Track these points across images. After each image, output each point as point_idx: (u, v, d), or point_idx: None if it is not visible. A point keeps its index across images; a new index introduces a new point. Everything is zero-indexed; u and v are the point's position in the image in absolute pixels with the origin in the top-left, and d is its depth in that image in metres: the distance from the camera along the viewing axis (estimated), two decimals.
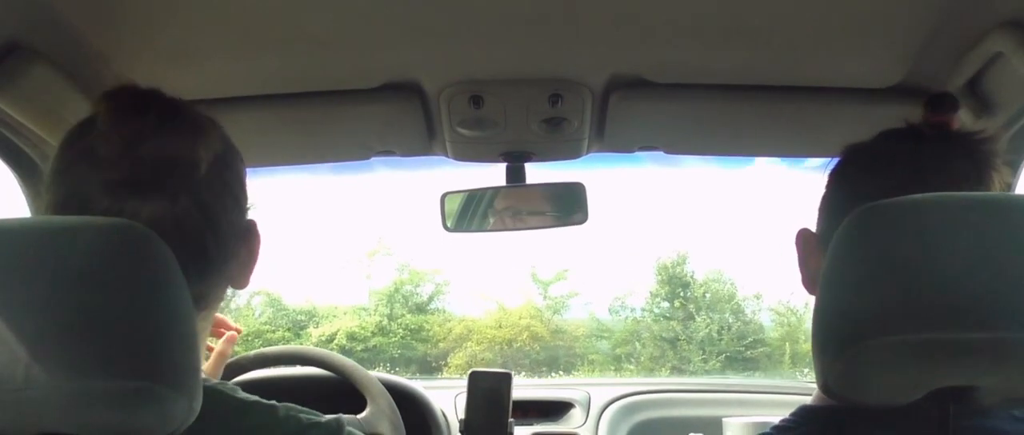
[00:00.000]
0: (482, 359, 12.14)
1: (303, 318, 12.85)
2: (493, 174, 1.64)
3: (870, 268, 0.79)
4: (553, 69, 1.37)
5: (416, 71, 1.37)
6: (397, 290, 13.31)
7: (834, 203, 1.00)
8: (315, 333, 12.40)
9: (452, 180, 1.71)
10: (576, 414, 2.26)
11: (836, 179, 1.02)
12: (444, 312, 13.47)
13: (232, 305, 11.73)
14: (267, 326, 12.58)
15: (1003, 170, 0.93)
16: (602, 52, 1.31)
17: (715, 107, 1.45)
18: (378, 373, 1.90)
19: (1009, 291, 0.75)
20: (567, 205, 1.69)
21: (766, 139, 1.60)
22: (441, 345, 12.87)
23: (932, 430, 0.83)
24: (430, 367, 12.48)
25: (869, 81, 1.37)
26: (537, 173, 1.64)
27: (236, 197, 0.89)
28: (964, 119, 1.27)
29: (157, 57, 1.29)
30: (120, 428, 0.72)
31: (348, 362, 1.84)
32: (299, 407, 0.89)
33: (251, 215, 0.94)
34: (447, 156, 1.61)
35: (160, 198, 0.81)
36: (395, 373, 2.35)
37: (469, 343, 12.71)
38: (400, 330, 12.89)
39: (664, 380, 2.51)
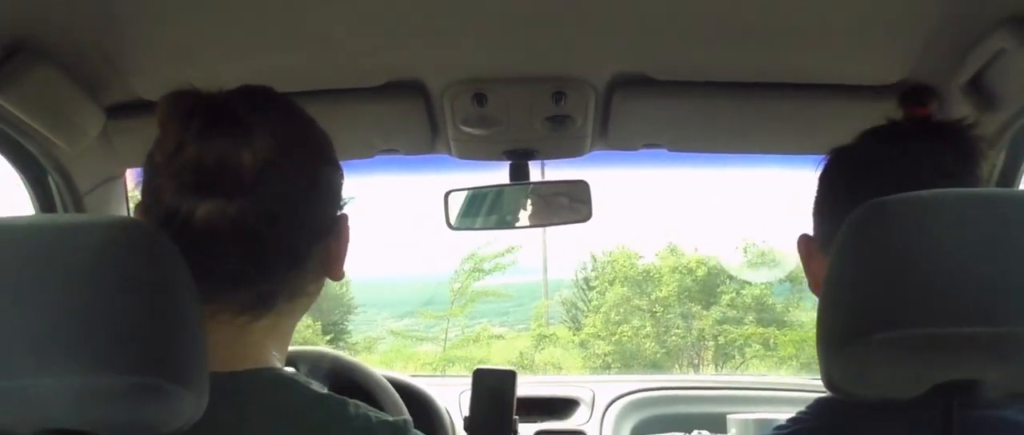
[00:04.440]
0: None
1: None
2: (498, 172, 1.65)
3: (872, 264, 0.79)
4: (557, 67, 1.37)
5: (419, 69, 1.38)
6: None
7: (827, 206, 1.01)
8: None
9: (459, 178, 1.71)
10: (581, 412, 2.26)
11: (827, 182, 1.03)
12: None
13: None
14: None
15: (989, 154, 0.94)
16: (606, 50, 1.32)
17: (719, 105, 1.45)
18: (380, 370, 1.90)
19: (1012, 285, 0.75)
20: (571, 203, 1.69)
21: (770, 136, 1.60)
22: None
23: (939, 423, 0.83)
24: None
25: (872, 78, 1.37)
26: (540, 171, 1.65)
27: (306, 196, 0.88)
28: (967, 115, 1.27)
29: (160, 56, 1.29)
30: (127, 424, 0.72)
31: (351, 359, 1.84)
32: (368, 405, 0.88)
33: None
34: (450, 154, 1.61)
35: (214, 198, 0.83)
36: None
37: None
38: None
39: (668, 377, 2.51)
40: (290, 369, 0.92)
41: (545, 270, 12.72)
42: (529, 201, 1.68)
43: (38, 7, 1.12)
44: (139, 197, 0.90)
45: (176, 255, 0.75)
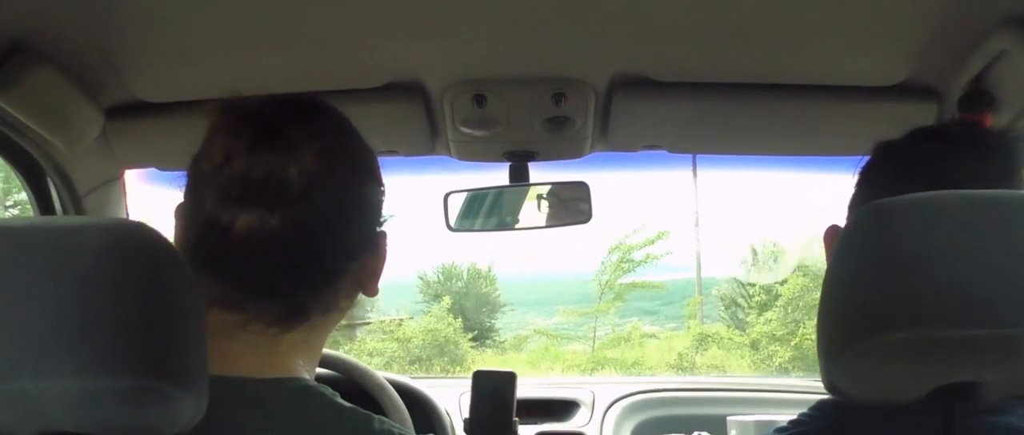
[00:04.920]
0: None
1: None
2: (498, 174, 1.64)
3: (874, 266, 0.79)
4: (556, 68, 1.37)
5: (419, 70, 1.38)
6: None
7: (861, 201, 1.00)
8: None
9: (466, 179, 1.70)
10: (581, 413, 2.26)
11: (865, 177, 1.02)
12: None
13: None
14: None
15: None
16: (605, 51, 1.31)
17: (719, 106, 1.45)
18: (381, 372, 1.90)
19: (1013, 287, 0.75)
20: (571, 204, 1.69)
21: (770, 137, 1.60)
22: None
23: (940, 426, 0.83)
24: None
25: (874, 79, 1.37)
26: (540, 172, 1.64)
27: (345, 213, 0.88)
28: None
29: (160, 57, 1.29)
30: (127, 426, 0.72)
31: (354, 361, 1.84)
32: (392, 422, 0.89)
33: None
34: (450, 156, 1.61)
35: (256, 209, 0.83)
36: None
37: None
38: None
39: (668, 379, 2.51)
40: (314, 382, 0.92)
41: (698, 265, 12.22)
42: (529, 202, 1.68)
43: (37, 7, 1.12)
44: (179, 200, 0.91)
45: (176, 258, 0.75)
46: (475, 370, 1.88)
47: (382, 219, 0.94)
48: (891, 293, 0.77)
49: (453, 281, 13.31)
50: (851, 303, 0.80)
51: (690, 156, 1.71)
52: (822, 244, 1.03)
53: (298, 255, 0.85)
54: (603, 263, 11.44)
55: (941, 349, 0.76)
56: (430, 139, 1.56)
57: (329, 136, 0.89)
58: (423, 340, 11.63)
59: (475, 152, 1.60)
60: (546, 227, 1.72)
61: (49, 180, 1.47)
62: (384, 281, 0.96)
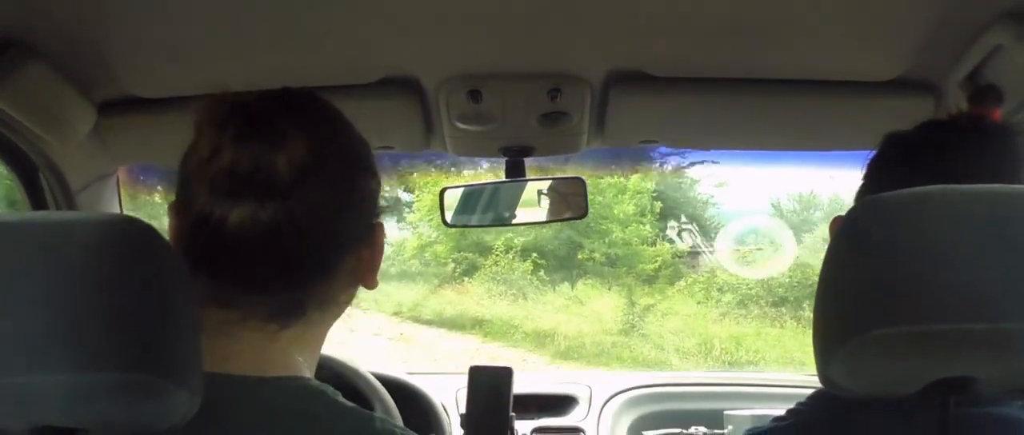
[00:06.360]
0: None
1: None
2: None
3: (871, 260, 0.79)
4: (552, 63, 1.36)
5: (414, 66, 1.37)
6: None
7: (868, 193, 1.00)
8: None
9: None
10: (578, 408, 2.26)
11: (872, 169, 1.02)
12: None
13: None
14: None
15: None
16: (602, 46, 1.31)
17: (716, 101, 1.45)
18: (374, 369, 1.90)
19: (1010, 282, 0.75)
20: (566, 199, 1.68)
21: (767, 133, 1.60)
22: None
23: (935, 419, 0.83)
24: None
25: (870, 74, 1.37)
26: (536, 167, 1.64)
27: (338, 205, 0.87)
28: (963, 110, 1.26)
29: (153, 53, 1.28)
30: (120, 421, 0.72)
31: (344, 362, 1.84)
32: (393, 422, 0.88)
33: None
34: (446, 151, 1.60)
35: (247, 202, 0.82)
36: None
37: None
38: None
39: (666, 374, 2.52)
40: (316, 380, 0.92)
41: None
42: (525, 198, 1.68)
43: (29, 3, 1.12)
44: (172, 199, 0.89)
45: (169, 252, 0.75)
46: (471, 365, 1.88)
47: (378, 210, 0.93)
48: (888, 287, 0.77)
49: (811, 211, 12.53)
50: (848, 297, 0.80)
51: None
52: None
53: (291, 250, 0.83)
54: None
55: (937, 344, 0.77)
56: (425, 135, 1.55)
57: (319, 127, 0.87)
58: (790, 278, 10.08)
59: (471, 148, 1.60)
60: (542, 222, 1.71)
61: (42, 177, 1.47)
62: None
